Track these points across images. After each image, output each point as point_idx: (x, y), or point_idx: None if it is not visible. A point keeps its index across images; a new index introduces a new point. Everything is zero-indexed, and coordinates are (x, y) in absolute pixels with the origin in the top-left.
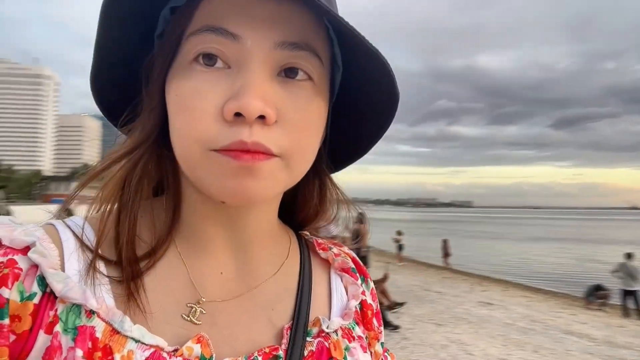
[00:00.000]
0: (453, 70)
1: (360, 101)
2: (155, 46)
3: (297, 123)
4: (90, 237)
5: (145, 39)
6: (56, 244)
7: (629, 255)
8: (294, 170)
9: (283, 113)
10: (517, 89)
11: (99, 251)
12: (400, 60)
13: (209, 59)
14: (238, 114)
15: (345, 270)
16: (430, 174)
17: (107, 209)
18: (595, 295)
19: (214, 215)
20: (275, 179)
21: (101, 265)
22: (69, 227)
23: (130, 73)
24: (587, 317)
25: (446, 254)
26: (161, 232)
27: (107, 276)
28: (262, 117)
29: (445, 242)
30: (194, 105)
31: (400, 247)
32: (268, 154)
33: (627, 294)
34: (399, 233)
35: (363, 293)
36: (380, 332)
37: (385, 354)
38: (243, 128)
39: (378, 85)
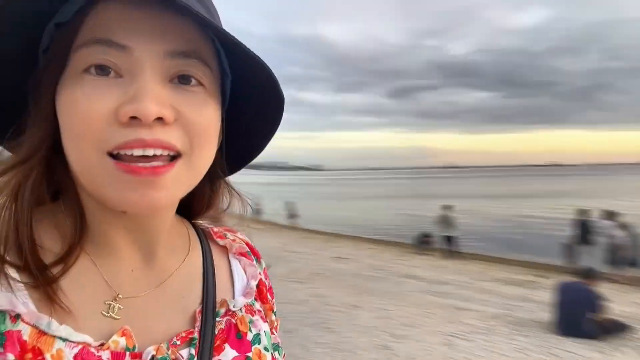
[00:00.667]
0: (300, 37)
1: (250, 106)
2: (40, 61)
3: (194, 122)
4: None
5: (24, 56)
6: None
7: (446, 207)
8: (196, 169)
9: (180, 113)
10: (358, 59)
11: (6, 257)
12: (245, 23)
13: (101, 69)
14: (134, 118)
15: (242, 254)
16: (283, 138)
17: (3, 215)
18: (423, 242)
19: (115, 220)
20: (180, 184)
21: (12, 272)
22: None
23: (10, 91)
24: (419, 262)
25: (292, 215)
26: (70, 240)
27: (21, 282)
28: (159, 120)
29: (289, 204)
30: (87, 108)
31: (257, 211)
32: (171, 149)
33: (447, 239)
34: (257, 198)
35: (259, 273)
36: (274, 304)
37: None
38: (141, 129)
39: (263, 89)
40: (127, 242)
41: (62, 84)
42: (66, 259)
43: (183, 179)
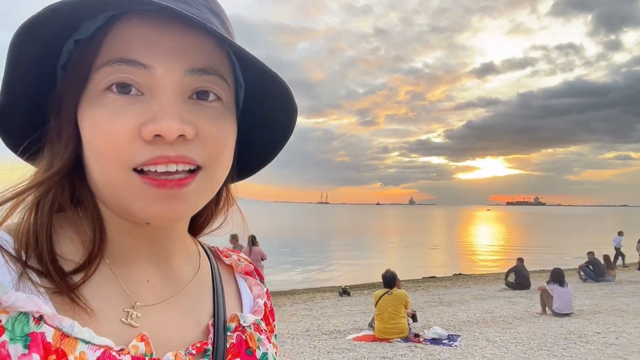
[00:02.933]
0: None
1: (263, 116)
2: (59, 78)
3: (213, 135)
4: (11, 247)
5: (43, 73)
6: None
7: None
8: (215, 180)
9: (200, 128)
10: None
11: (28, 262)
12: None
13: (123, 87)
14: (157, 136)
15: (248, 273)
16: None
17: (25, 222)
18: None
19: (135, 231)
20: (201, 195)
21: (34, 276)
22: None
23: (30, 106)
24: None
25: None
26: (90, 249)
27: (44, 287)
28: (181, 136)
29: None
30: (110, 127)
31: None
32: (193, 164)
33: None
34: None
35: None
36: (274, 327)
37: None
38: (164, 146)
39: (277, 100)
40: (145, 252)
41: (84, 102)
42: (87, 267)
43: (203, 190)
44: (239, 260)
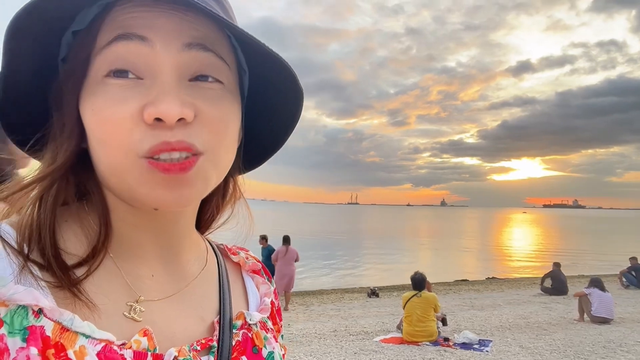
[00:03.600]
0: None
1: (269, 102)
2: (60, 71)
3: (214, 118)
4: (13, 240)
5: (42, 66)
6: None
7: None
8: (219, 165)
9: (200, 110)
10: None
11: (30, 256)
12: None
13: (121, 72)
14: (158, 119)
15: (255, 271)
16: None
17: (28, 216)
18: None
19: (143, 223)
20: (206, 180)
21: (35, 269)
22: None
23: (32, 100)
24: None
25: None
26: (95, 243)
27: (45, 280)
28: (181, 119)
29: None
30: (113, 114)
31: None
32: (193, 150)
33: None
34: None
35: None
36: (281, 326)
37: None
38: (165, 131)
39: (281, 84)
40: (152, 245)
41: (85, 91)
42: (90, 261)
43: (208, 174)
44: (246, 258)
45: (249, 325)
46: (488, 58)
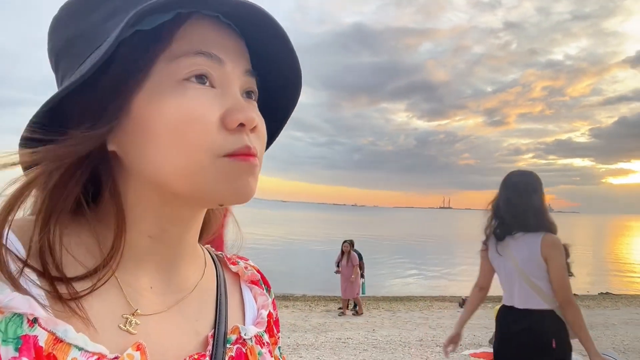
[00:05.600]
0: None
1: (269, 81)
2: (121, 63)
3: (262, 131)
4: (16, 246)
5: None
6: None
7: None
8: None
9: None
10: None
11: (30, 263)
12: None
13: (201, 78)
14: (240, 125)
15: (254, 282)
16: None
17: (31, 221)
18: None
19: (160, 233)
20: (257, 181)
21: (34, 277)
22: None
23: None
24: None
25: None
26: (103, 259)
27: (44, 289)
28: (254, 127)
29: None
30: (200, 114)
31: None
32: (257, 155)
33: None
34: None
35: (269, 304)
36: (279, 338)
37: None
38: (245, 135)
39: (280, 62)
40: (154, 256)
41: (151, 92)
42: (95, 276)
43: (258, 178)
44: (245, 268)
45: (244, 339)
46: (601, 49)
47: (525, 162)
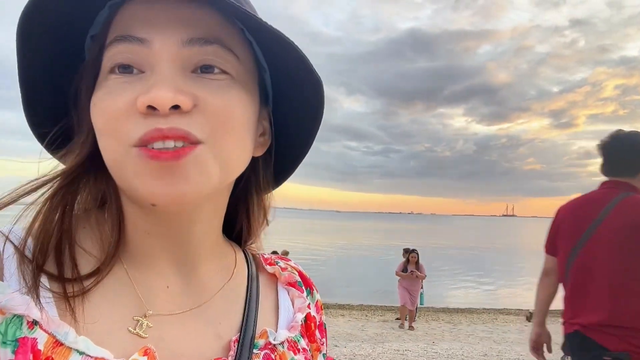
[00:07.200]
0: None
1: (292, 103)
2: (81, 70)
3: (217, 107)
4: (30, 248)
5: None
6: None
7: None
8: (224, 160)
9: (200, 99)
10: None
11: (46, 269)
12: None
13: (125, 68)
14: (152, 108)
15: (291, 284)
16: None
17: (41, 223)
18: None
19: (154, 229)
20: (206, 173)
21: (44, 279)
22: (6, 236)
23: (57, 98)
24: None
25: None
26: (107, 251)
27: (51, 291)
28: (177, 108)
29: None
30: (108, 104)
31: None
32: (190, 139)
33: None
34: None
35: (309, 306)
36: (323, 344)
37: None
38: (158, 118)
39: (303, 82)
40: (167, 254)
41: (95, 88)
42: (101, 270)
43: (207, 168)
44: (284, 269)
45: (273, 345)
46: None
47: (598, 166)
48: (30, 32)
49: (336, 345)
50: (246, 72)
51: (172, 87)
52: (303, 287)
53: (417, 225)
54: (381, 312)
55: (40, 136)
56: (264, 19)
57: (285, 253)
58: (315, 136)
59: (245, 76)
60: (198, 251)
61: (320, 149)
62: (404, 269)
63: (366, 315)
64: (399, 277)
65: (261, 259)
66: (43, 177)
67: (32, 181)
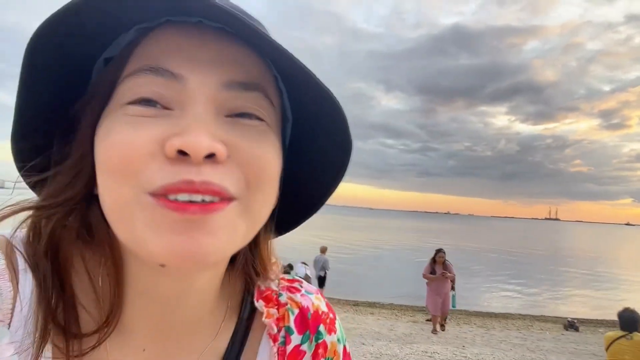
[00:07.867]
0: None
1: (312, 155)
2: (87, 93)
3: (253, 158)
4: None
5: (68, 90)
6: (12, 282)
7: None
8: (254, 216)
9: (236, 148)
10: None
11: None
12: None
13: (147, 102)
14: (183, 153)
15: (274, 336)
16: None
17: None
18: None
19: (153, 289)
20: (234, 232)
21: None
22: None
23: (46, 121)
24: None
25: None
26: (107, 313)
27: (55, 345)
28: (211, 157)
29: None
30: (128, 139)
31: None
32: (223, 195)
33: None
34: None
35: (300, 356)
36: None
37: None
38: (189, 167)
39: (329, 134)
40: (154, 317)
41: (103, 117)
42: (101, 331)
43: (237, 226)
44: (282, 305)
45: None
46: None
47: None
48: (42, 45)
49: (363, 344)
50: (277, 121)
51: (209, 132)
52: (295, 333)
53: (453, 226)
54: (411, 313)
55: (19, 152)
56: (305, 18)
57: (324, 249)
58: (341, 178)
59: (276, 125)
60: (189, 315)
61: (356, 145)
62: (432, 271)
63: (396, 315)
64: (426, 280)
65: (266, 298)
66: (24, 203)
67: (8, 206)
